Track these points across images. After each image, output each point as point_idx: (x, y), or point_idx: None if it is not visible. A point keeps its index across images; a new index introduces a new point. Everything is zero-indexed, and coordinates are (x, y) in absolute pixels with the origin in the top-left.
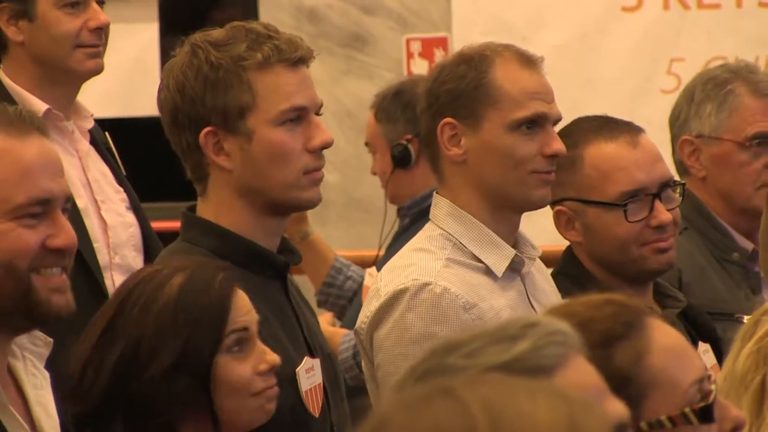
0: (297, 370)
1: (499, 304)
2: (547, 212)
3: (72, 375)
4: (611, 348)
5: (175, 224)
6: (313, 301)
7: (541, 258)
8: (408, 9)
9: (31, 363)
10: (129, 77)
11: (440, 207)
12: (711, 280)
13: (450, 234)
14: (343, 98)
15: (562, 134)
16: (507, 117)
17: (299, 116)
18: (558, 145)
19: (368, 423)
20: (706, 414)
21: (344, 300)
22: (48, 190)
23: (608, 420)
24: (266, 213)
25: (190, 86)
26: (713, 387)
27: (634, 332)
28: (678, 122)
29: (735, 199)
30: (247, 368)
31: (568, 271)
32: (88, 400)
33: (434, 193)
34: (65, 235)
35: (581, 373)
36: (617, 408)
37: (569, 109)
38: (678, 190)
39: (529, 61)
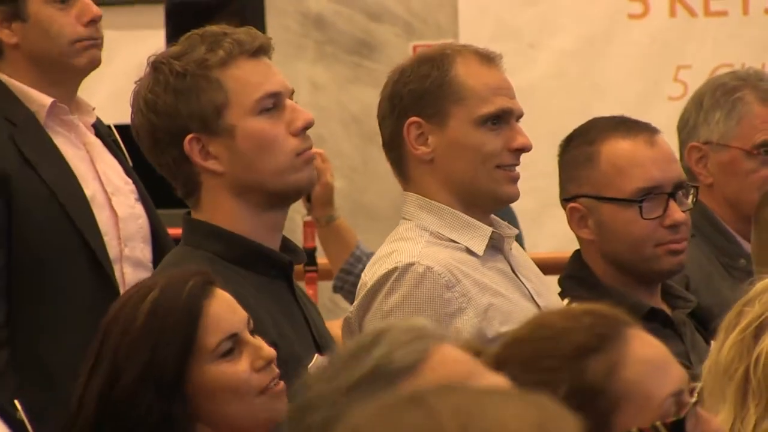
0: (307, 367)
1: (484, 280)
2: (554, 218)
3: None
4: (585, 360)
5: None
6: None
7: (548, 263)
8: (414, 15)
9: None
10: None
11: (410, 203)
12: (718, 287)
13: (424, 225)
14: (350, 105)
15: (579, 133)
16: (473, 113)
17: (275, 104)
18: (523, 140)
19: (341, 430)
20: (677, 428)
21: None
22: None
23: (580, 426)
24: (264, 207)
25: (162, 101)
26: (692, 400)
27: (610, 344)
28: (686, 128)
29: (741, 206)
30: (243, 367)
31: (577, 274)
32: (80, 429)
33: (402, 191)
34: None
35: (449, 363)
36: (495, 380)
37: (576, 114)
38: (691, 194)
39: (489, 58)
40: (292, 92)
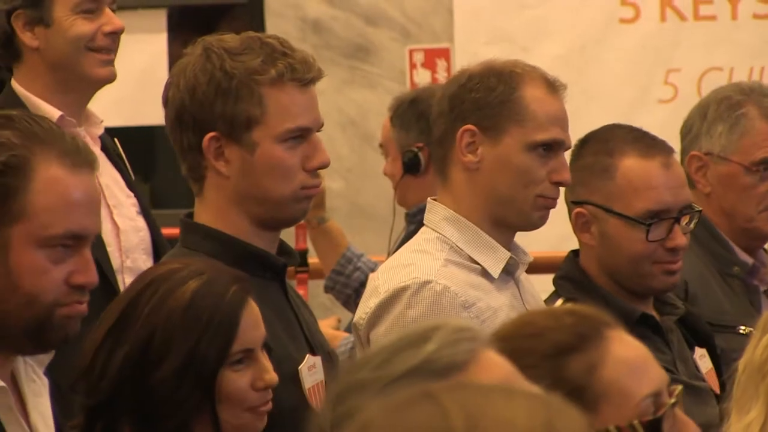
0: (299, 368)
1: (496, 304)
2: (548, 224)
3: (81, 364)
4: (564, 358)
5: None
6: (313, 305)
7: (540, 264)
8: (411, 20)
9: (32, 369)
10: (138, 87)
11: (435, 212)
12: (714, 293)
13: (446, 237)
14: (347, 108)
15: (596, 140)
16: (528, 136)
17: (301, 135)
18: (567, 175)
19: (351, 427)
20: (654, 427)
21: (350, 289)
22: (85, 227)
23: (586, 423)
24: (258, 225)
25: (202, 90)
26: (672, 401)
27: (590, 344)
28: (689, 136)
29: (737, 219)
30: (246, 382)
31: (573, 276)
32: (96, 392)
33: (429, 199)
34: (89, 272)
35: (493, 366)
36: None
37: (569, 117)
38: (695, 219)
39: (555, 87)
40: (322, 125)
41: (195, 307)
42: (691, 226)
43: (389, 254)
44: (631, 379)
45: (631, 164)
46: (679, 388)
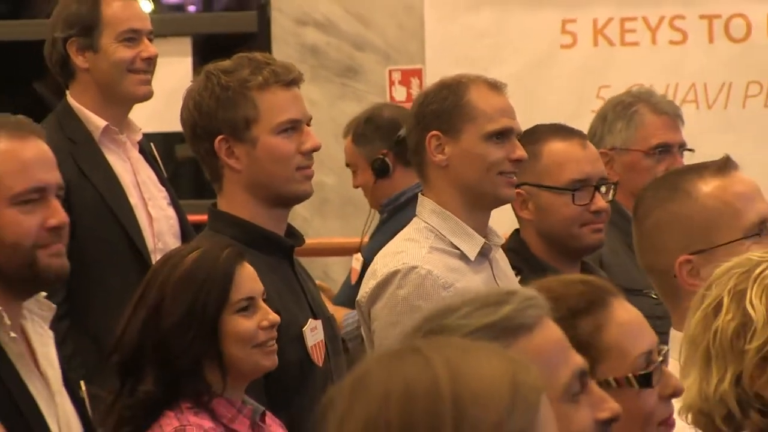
0: (303, 329)
1: (472, 284)
2: (505, 209)
3: (116, 333)
4: (575, 319)
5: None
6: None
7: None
8: (390, 46)
9: (39, 324)
10: (168, 101)
11: (424, 205)
12: (624, 263)
13: (432, 227)
14: (339, 118)
15: (526, 134)
16: (482, 129)
17: (294, 126)
18: (521, 152)
19: (352, 375)
20: (645, 380)
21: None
22: (44, 180)
23: (542, 379)
24: (271, 204)
25: (206, 105)
26: (660, 358)
27: (596, 308)
28: (594, 139)
29: None
30: (253, 324)
31: (516, 248)
32: (123, 349)
33: (419, 194)
34: (58, 215)
35: (552, 331)
36: (577, 359)
37: (522, 125)
38: (611, 189)
39: (496, 86)
40: (311, 118)
41: (194, 270)
42: (609, 196)
43: (363, 236)
44: (629, 339)
45: (553, 146)
46: (666, 348)
